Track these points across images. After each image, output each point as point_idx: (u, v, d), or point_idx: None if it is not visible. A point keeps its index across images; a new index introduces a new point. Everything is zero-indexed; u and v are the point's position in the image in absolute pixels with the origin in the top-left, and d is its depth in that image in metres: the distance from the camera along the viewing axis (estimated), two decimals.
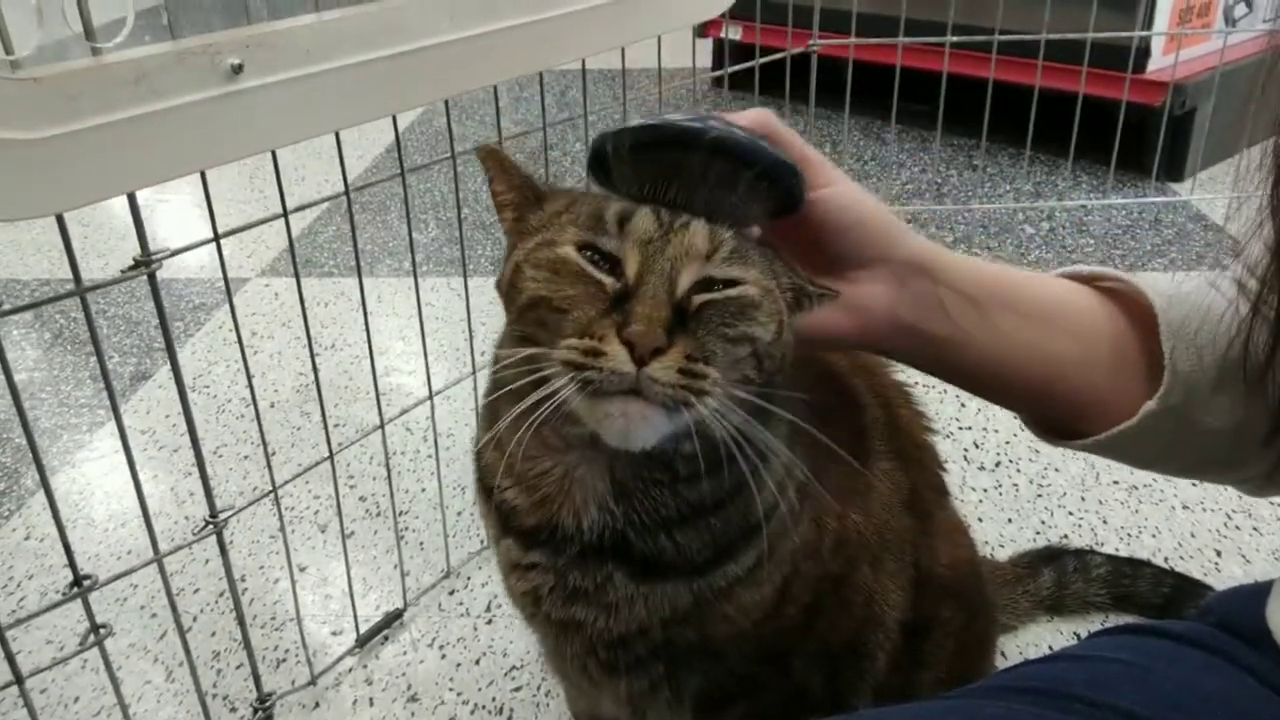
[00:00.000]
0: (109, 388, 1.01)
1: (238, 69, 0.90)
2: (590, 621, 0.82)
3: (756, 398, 0.71)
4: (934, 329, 0.81)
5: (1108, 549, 1.53)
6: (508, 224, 0.80)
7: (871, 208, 0.79)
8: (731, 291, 0.70)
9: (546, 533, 0.80)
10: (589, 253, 0.71)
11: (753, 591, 0.81)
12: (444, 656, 1.41)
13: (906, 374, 1.00)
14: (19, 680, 1.02)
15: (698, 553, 0.79)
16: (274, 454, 1.85)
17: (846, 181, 0.79)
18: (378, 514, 1.69)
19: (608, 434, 0.69)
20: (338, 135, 1.11)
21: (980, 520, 1.62)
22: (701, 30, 3.30)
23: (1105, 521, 1.61)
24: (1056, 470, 1.73)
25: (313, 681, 1.36)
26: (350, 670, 1.40)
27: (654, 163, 0.73)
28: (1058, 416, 0.87)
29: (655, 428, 0.68)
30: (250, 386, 1.21)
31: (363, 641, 1.42)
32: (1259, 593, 0.82)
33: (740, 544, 0.79)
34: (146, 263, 1.00)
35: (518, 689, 1.35)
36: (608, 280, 0.69)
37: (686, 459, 0.73)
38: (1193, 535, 1.58)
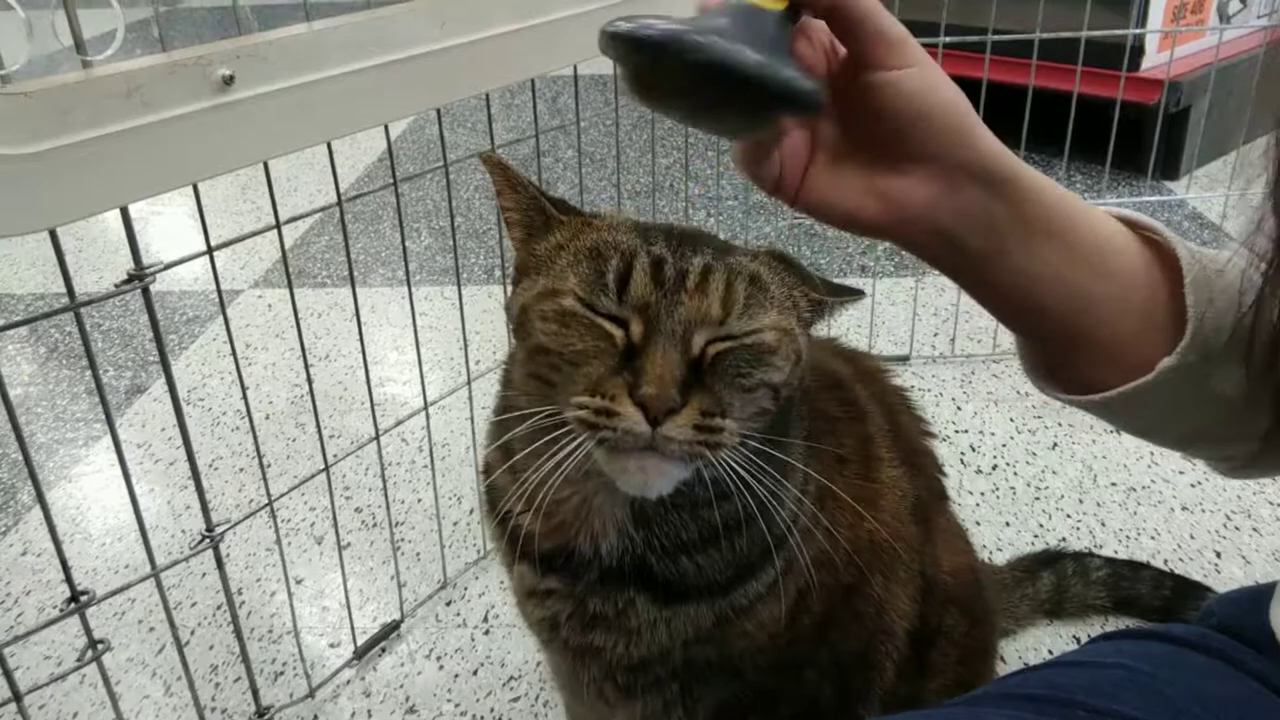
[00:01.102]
0: (104, 402, 1.00)
1: (229, 80, 0.89)
2: (610, 647, 0.81)
3: (770, 428, 0.71)
4: (973, 242, 0.73)
5: (1106, 551, 1.53)
6: (516, 242, 0.79)
7: (942, 101, 0.69)
8: (748, 340, 0.69)
9: (563, 558, 0.79)
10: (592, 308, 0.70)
11: (772, 606, 0.81)
12: (442, 668, 1.40)
13: (901, 381, 1.00)
14: (17, 697, 1.01)
15: (719, 573, 0.78)
16: (270, 466, 1.85)
17: (927, 65, 0.69)
18: (374, 525, 1.69)
19: (625, 486, 0.69)
20: (329, 145, 1.11)
21: (978, 524, 1.61)
22: None
23: (1104, 524, 1.61)
24: (1054, 473, 1.73)
25: (311, 694, 1.35)
26: (348, 682, 1.39)
27: (655, 68, 0.64)
28: (1069, 358, 0.80)
29: (672, 478, 0.68)
30: (245, 399, 1.20)
31: (360, 653, 1.41)
32: (1261, 595, 0.81)
33: (761, 561, 0.78)
34: (140, 277, 1.00)
35: (516, 699, 1.34)
36: (617, 333, 0.68)
37: (705, 489, 0.73)
38: (1192, 537, 1.57)
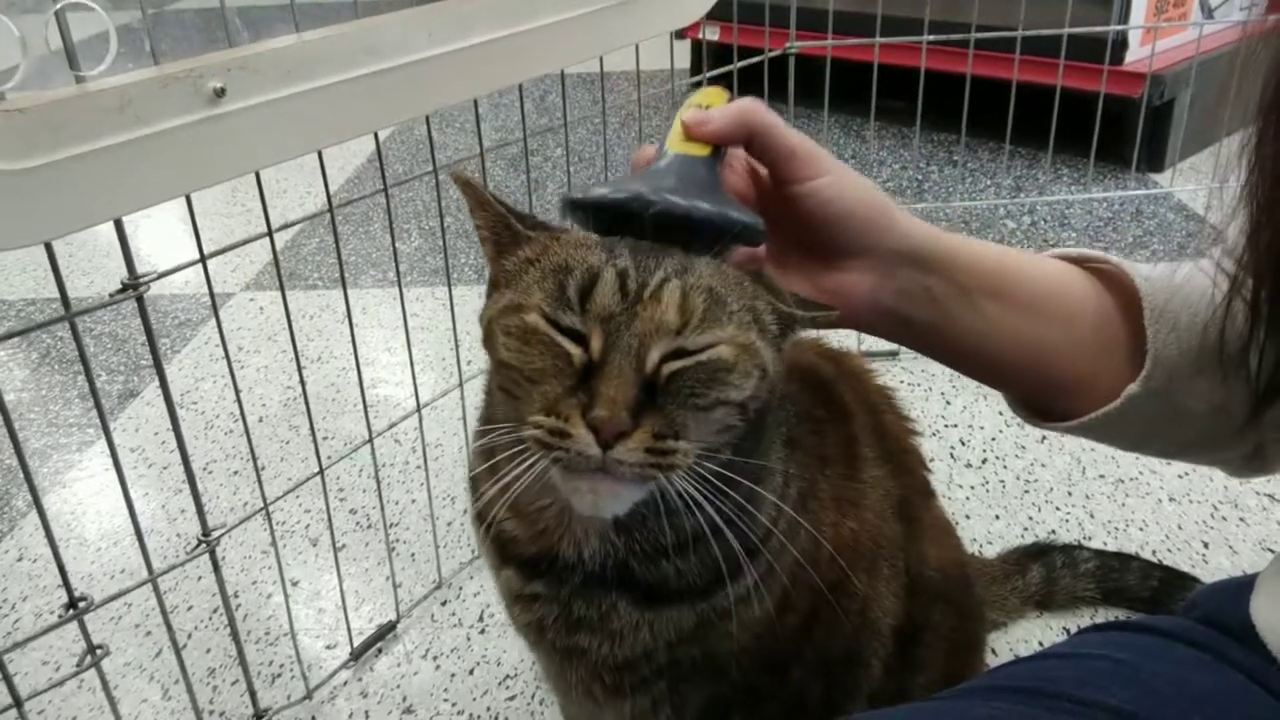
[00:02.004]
0: (98, 407, 1.01)
1: (220, 92, 0.90)
2: (595, 648, 0.82)
3: (743, 438, 0.72)
4: (918, 315, 0.81)
5: (1095, 543, 1.55)
6: (489, 255, 0.79)
7: (860, 199, 0.78)
8: (703, 356, 0.68)
9: (547, 562, 0.80)
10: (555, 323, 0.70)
11: (755, 607, 0.81)
12: (438, 667, 1.41)
13: (890, 377, 1.01)
14: (18, 704, 1.02)
15: (699, 576, 0.79)
16: (264, 468, 1.85)
17: (839, 171, 0.78)
18: (368, 526, 1.70)
19: (579, 506, 0.70)
20: (319, 151, 1.12)
21: (968, 517, 1.63)
22: (679, 31, 3.32)
23: (1092, 516, 1.62)
24: (1043, 466, 1.74)
25: (308, 696, 1.36)
26: (345, 684, 1.40)
27: (614, 225, 0.75)
28: (1042, 398, 0.87)
29: (625, 500, 0.68)
30: (238, 402, 1.21)
31: (357, 654, 1.42)
32: (1243, 587, 0.82)
33: (741, 564, 0.79)
34: (134, 285, 1.00)
35: (512, 698, 1.36)
36: (575, 352, 0.68)
37: (672, 502, 0.72)
38: (1180, 527, 1.59)
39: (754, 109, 0.77)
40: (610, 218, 0.75)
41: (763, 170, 0.81)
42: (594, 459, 0.65)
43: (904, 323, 0.82)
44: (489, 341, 0.74)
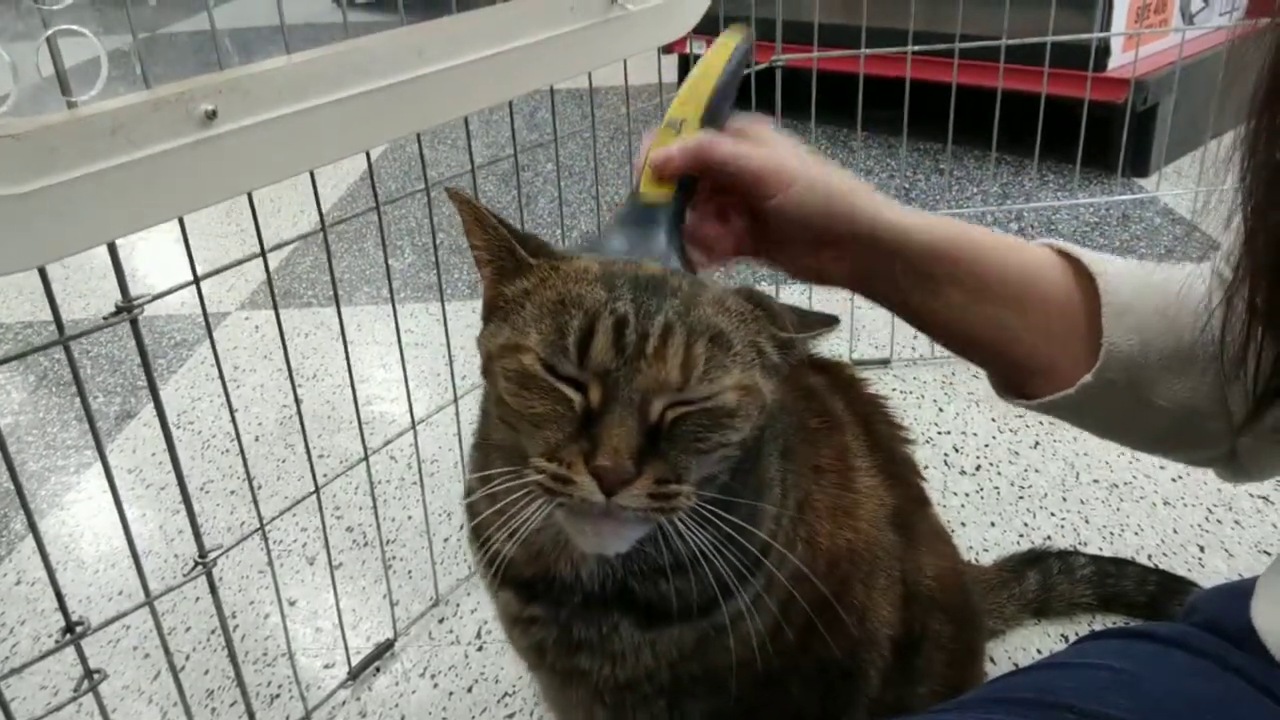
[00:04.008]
0: (94, 430, 1.01)
1: (211, 115, 0.90)
2: (596, 670, 0.82)
3: (740, 463, 0.73)
4: (891, 296, 0.88)
5: (1091, 549, 1.55)
6: (487, 281, 0.78)
7: (827, 197, 0.83)
8: (708, 404, 0.68)
9: (544, 584, 0.80)
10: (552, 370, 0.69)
11: (756, 620, 0.81)
12: (436, 685, 1.41)
13: (883, 385, 1.01)
14: None
15: (701, 594, 0.79)
16: (260, 488, 1.86)
17: (804, 176, 0.83)
18: (365, 544, 1.70)
19: (583, 546, 0.71)
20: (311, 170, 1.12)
21: (963, 525, 1.63)
22: (667, 46, 3.33)
23: (1088, 521, 1.63)
24: (1037, 471, 1.75)
25: (307, 716, 1.36)
26: (344, 703, 1.40)
27: None
28: (1013, 377, 0.91)
29: (628, 539, 0.69)
30: (234, 422, 1.21)
31: (355, 673, 1.42)
32: (1243, 591, 0.82)
33: (742, 580, 0.79)
34: (129, 308, 1.01)
35: (510, 715, 1.35)
36: (575, 398, 0.67)
37: (672, 533, 0.72)
38: (1175, 531, 1.59)
39: (711, 144, 0.82)
40: None
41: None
42: (598, 505, 0.65)
43: (882, 299, 0.89)
44: (488, 374, 0.74)
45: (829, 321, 0.76)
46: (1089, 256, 0.85)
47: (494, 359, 0.72)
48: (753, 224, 0.87)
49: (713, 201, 0.88)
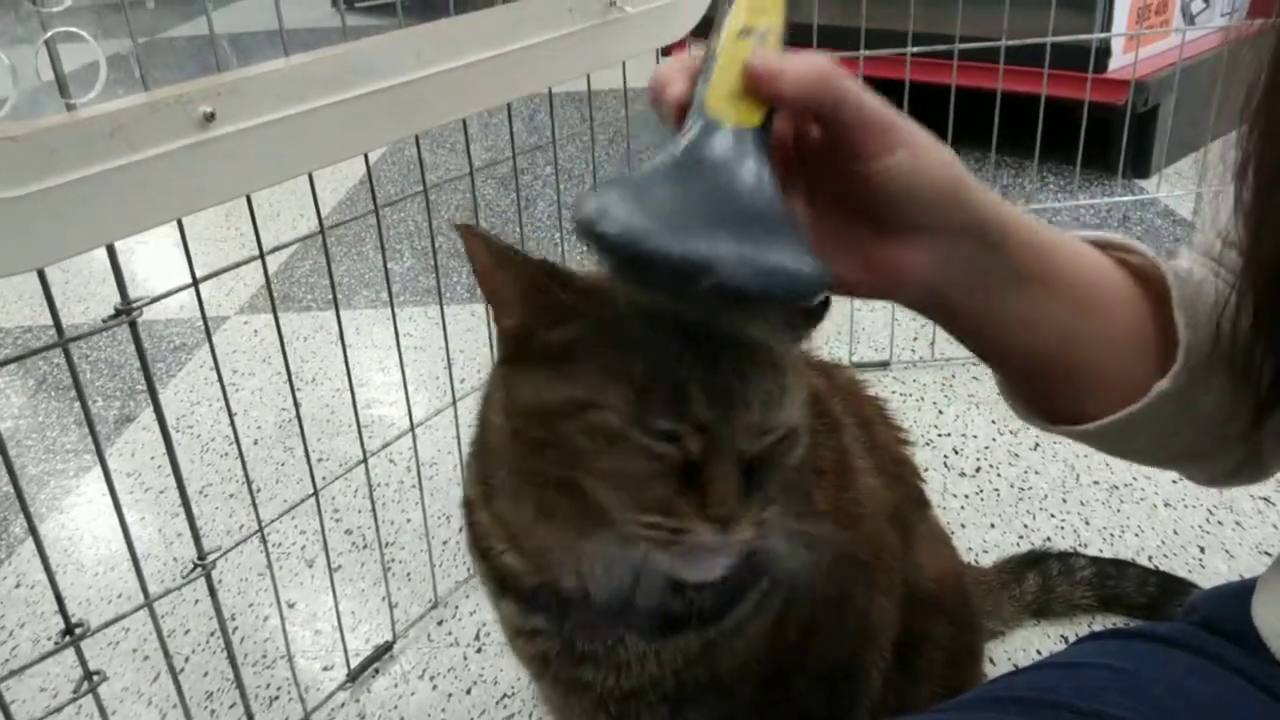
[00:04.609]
0: (93, 433, 1.01)
1: (210, 117, 0.91)
2: (601, 681, 0.81)
3: None
4: (966, 298, 0.72)
5: (1091, 550, 1.55)
6: (513, 324, 0.71)
7: (932, 179, 0.66)
8: (782, 431, 0.68)
9: (549, 596, 0.78)
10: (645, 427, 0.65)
11: (758, 624, 0.81)
12: (435, 687, 1.41)
13: (882, 388, 1.01)
14: None
15: (709, 602, 0.78)
16: (259, 491, 1.86)
17: (914, 144, 0.65)
18: (364, 546, 1.70)
19: (687, 576, 0.70)
20: (310, 173, 1.12)
21: (963, 526, 1.63)
22: (665, 49, 3.33)
23: (1088, 523, 1.63)
24: (1037, 473, 1.75)
25: (306, 718, 1.36)
26: (343, 705, 1.40)
27: (647, 284, 0.61)
28: (1058, 392, 0.79)
29: (729, 563, 0.68)
30: (233, 425, 1.21)
31: (354, 676, 1.42)
32: (1243, 591, 0.82)
33: (749, 585, 0.79)
34: (127, 311, 1.01)
35: (509, 717, 1.35)
36: (672, 453, 0.65)
37: None
38: (1175, 533, 1.59)
39: (836, 73, 0.62)
40: (642, 268, 0.55)
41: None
42: (713, 545, 0.65)
43: (948, 302, 0.73)
44: (533, 426, 0.69)
45: (824, 306, 0.71)
46: (1141, 248, 0.77)
47: (551, 415, 0.67)
48: (822, 190, 0.70)
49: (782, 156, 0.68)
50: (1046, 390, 0.79)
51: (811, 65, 0.61)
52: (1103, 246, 0.78)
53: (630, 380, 0.64)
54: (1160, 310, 0.74)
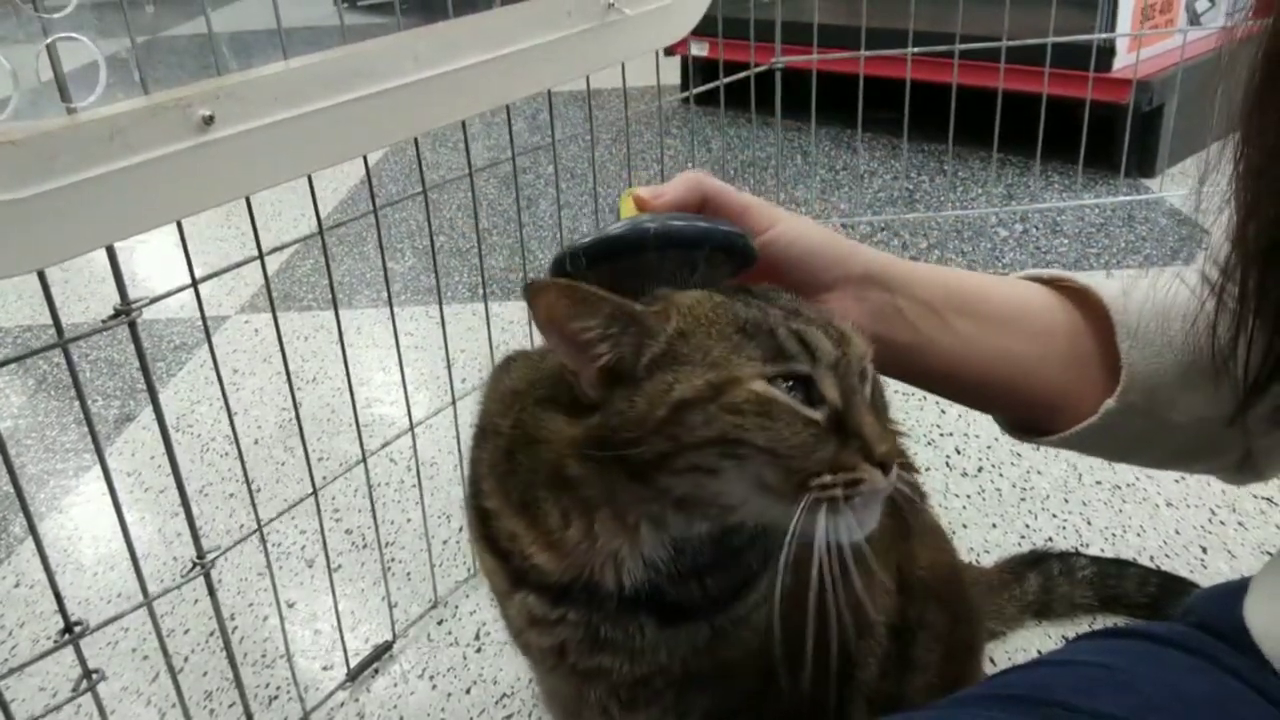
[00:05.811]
0: (93, 433, 1.01)
1: (209, 120, 0.91)
2: (617, 668, 0.81)
3: None
4: (896, 336, 0.83)
5: (1093, 550, 1.55)
6: (597, 371, 0.71)
7: (817, 236, 0.82)
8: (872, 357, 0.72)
9: (579, 588, 0.78)
10: (786, 385, 0.67)
11: (763, 611, 0.82)
12: (434, 687, 1.41)
13: (889, 383, 1.01)
14: None
15: (722, 591, 0.79)
16: (259, 490, 1.86)
17: (789, 218, 0.81)
18: (364, 546, 1.70)
19: (853, 535, 0.69)
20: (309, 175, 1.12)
21: (965, 526, 1.63)
22: (667, 48, 3.34)
23: (1089, 522, 1.62)
24: (1039, 473, 1.75)
25: (305, 718, 1.36)
26: (342, 705, 1.40)
27: (613, 267, 0.74)
28: (1026, 415, 0.90)
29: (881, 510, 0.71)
30: (232, 425, 1.21)
31: (353, 675, 1.42)
32: (1238, 591, 0.83)
33: (759, 573, 0.79)
34: (127, 311, 1.01)
35: (509, 717, 1.35)
36: (819, 416, 0.67)
37: None
38: (1177, 533, 1.59)
39: (702, 176, 0.80)
40: (603, 254, 0.74)
41: None
42: (884, 488, 0.68)
43: (887, 345, 0.81)
44: (677, 424, 0.68)
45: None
46: (1083, 280, 0.85)
47: (684, 410, 0.67)
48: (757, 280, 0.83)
49: None
50: (1014, 411, 0.91)
51: (683, 175, 0.80)
52: (1045, 283, 0.88)
53: (754, 346, 0.68)
54: (1106, 332, 0.83)
